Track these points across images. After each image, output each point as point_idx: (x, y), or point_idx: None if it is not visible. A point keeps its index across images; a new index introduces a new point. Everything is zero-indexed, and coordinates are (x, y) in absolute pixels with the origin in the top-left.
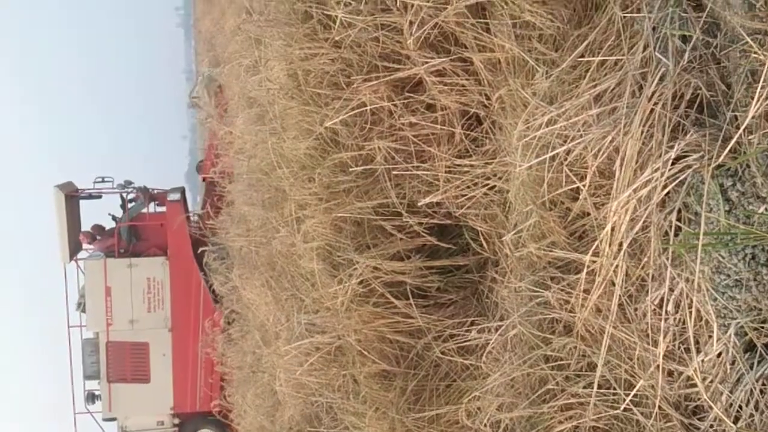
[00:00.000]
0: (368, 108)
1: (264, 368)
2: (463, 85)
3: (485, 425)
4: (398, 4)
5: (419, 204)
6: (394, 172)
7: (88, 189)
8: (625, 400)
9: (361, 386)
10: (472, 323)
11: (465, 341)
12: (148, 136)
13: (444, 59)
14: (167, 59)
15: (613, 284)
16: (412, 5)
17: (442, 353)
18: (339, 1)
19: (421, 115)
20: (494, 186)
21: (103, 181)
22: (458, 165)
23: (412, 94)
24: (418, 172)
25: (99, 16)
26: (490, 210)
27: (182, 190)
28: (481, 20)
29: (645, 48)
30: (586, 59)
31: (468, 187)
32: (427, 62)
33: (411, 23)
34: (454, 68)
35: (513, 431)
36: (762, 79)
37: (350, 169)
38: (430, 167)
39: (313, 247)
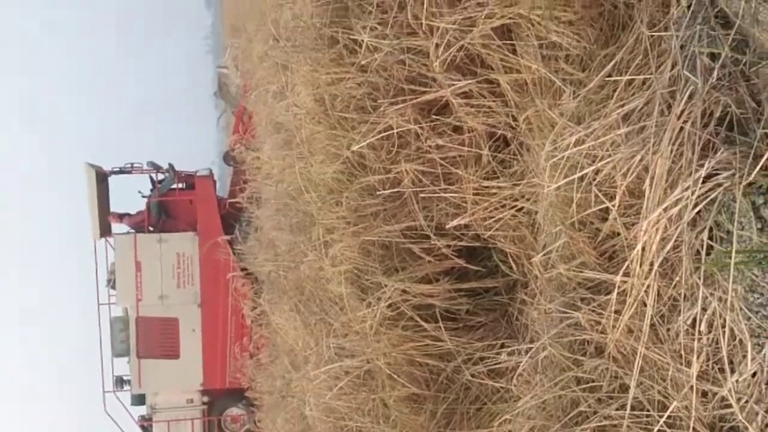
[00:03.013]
0: (395, 131)
1: (293, 393)
2: (489, 107)
3: None
4: (424, 28)
5: (447, 226)
6: (422, 195)
7: (118, 169)
8: (658, 421)
9: (390, 410)
10: (502, 345)
11: (495, 364)
12: (178, 138)
13: (470, 81)
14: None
15: (645, 304)
16: (438, 28)
17: (472, 376)
18: (365, 25)
19: (448, 137)
20: (522, 207)
21: (131, 169)
22: (486, 187)
23: (438, 117)
24: (446, 195)
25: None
26: (519, 231)
27: (210, 171)
28: (507, 42)
29: (673, 66)
30: (613, 79)
31: (496, 208)
32: (453, 84)
33: (437, 46)
34: (481, 90)
35: None
36: None
37: (377, 193)
38: (458, 189)
39: (341, 270)
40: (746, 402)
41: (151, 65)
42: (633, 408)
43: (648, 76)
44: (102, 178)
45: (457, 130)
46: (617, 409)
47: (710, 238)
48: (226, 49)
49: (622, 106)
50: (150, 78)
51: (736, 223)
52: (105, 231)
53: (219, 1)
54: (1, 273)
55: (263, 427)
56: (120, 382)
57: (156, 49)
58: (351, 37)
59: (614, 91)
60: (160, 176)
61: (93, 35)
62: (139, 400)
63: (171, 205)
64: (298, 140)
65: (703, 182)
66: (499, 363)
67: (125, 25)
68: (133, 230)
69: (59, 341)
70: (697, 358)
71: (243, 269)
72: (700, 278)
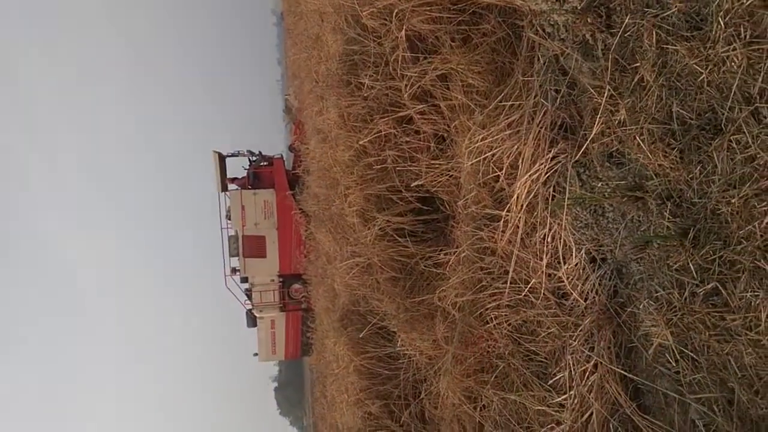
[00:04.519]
0: (383, 133)
1: (328, 276)
2: (435, 119)
3: (448, 305)
4: (398, 75)
5: (412, 185)
6: (398, 168)
7: (231, 153)
8: (524, 290)
9: (380, 285)
10: (441, 250)
11: (437, 260)
12: (260, 125)
13: (424, 105)
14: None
15: (518, 227)
16: (406, 75)
17: (425, 267)
18: (366, 74)
19: (412, 136)
20: (453, 175)
21: (238, 153)
22: (433, 163)
23: (407, 125)
24: (411, 168)
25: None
26: (450, 188)
27: (282, 155)
28: (444, 83)
29: (535, 96)
30: (502, 103)
31: (438, 175)
32: (415, 107)
33: (406, 85)
34: (430, 110)
35: (463, 308)
36: (599, 113)
37: (373, 167)
38: (417, 165)
39: (354, 209)
40: (572, 279)
41: (248, 95)
42: (511, 283)
43: (521, 102)
44: (222, 159)
45: (417, 132)
46: (503, 284)
47: (554, 191)
48: (289, 87)
49: (507, 118)
50: (248, 101)
51: (568, 183)
52: (224, 188)
53: (285, 61)
54: (169, 215)
55: (312, 295)
56: (234, 270)
57: (248, 85)
58: (358, 80)
59: (503, 110)
60: (254, 157)
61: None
62: (245, 280)
63: (260, 174)
64: (329, 138)
65: (551, 161)
66: (439, 259)
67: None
68: (239, 188)
69: (200, 249)
70: (546, 256)
71: (300, 209)
72: (548, 213)
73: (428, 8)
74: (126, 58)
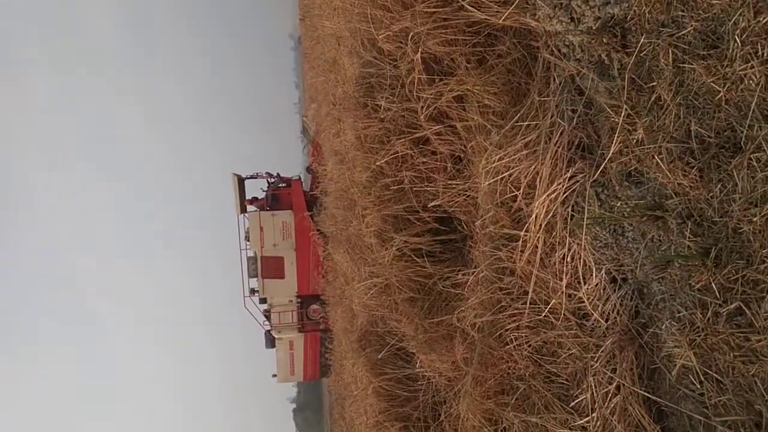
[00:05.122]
0: (399, 154)
1: (346, 297)
2: (451, 140)
3: (467, 326)
4: (414, 97)
5: (429, 206)
6: (415, 189)
7: (249, 175)
8: (544, 310)
9: (399, 305)
10: (459, 270)
11: (455, 280)
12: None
13: (440, 126)
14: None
15: (537, 247)
16: (422, 97)
17: (443, 287)
18: (382, 96)
19: (429, 157)
20: (470, 195)
21: (257, 175)
22: (450, 184)
23: (423, 146)
24: (428, 188)
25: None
26: (468, 208)
27: (300, 176)
28: (460, 104)
29: (552, 116)
30: (519, 123)
31: (455, 195)
32: (431, 128)
33: (422, 107)
34: (446, 131)
35: (483, 329)
36: (617, 132)
37: (390, 188)
38: (434, 185)
39: (371, 230)
40: (592, 300)
41: (265, 118)
42: (531, 303)
43: (538, 122)
44: (241, 181)
45: (433, 153)
46: (522, 304)
47: (572, 210)
48: (306, 109)
49: (524, 138)
50: (265, 124)
51: (587, 202)
52: (243, 209)
53: (302, 85)
54: (191, 237)
55: (330, 316)
56: (252, 291)
57: (266, 109)
58: (375, 102)
59: (519, 130)
60: (272, 179)
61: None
62: (263, 301)
63: (278, 195)
64: (346, 160)
65: (569, 180)
66: (457, 280)
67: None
68: (258, 209)
69: (219, 271)
70: (566, 276)
71: (318, 230)
72: (567, 233)
73: (443, 31)
74: (146, 81)
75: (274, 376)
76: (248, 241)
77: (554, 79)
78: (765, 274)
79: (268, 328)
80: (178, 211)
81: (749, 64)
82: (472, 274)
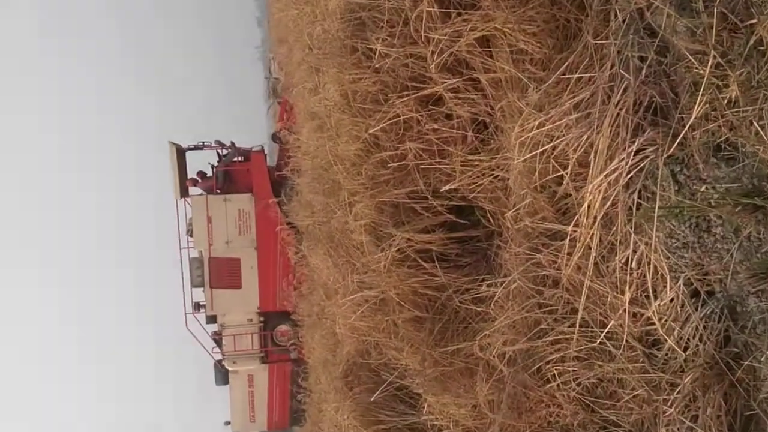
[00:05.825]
0: (401, 118)
1: (327, 316)
2: (473, 99)
3: (494, 356)
4: (422, 38)
5: (441, 190)
6: (422, 167)
7: (193, 145)
8: (600, 335)
9: (399, 328)
10: (483, 280)
11: (477, 293)
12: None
13: (458, 79)
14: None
15: (590, 248)
16: (433, 38)
17: (460, 303)
18: (378, 37)
19: (442, 122)
20: (498, 175)
21: (203, 145)
22: (470, 160)
23: (434, 107)
24: (440, 166)
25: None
26: (495, 194)
27: (262, 147)
28: (486, 49)
29: (612, 67)
30: (566, 76)
31: (478, 176)
32: (445, 82)
33: (432, 52)
34: (466, 86)
35: (515, 361)
36: (702, 89)
37: (388, 165)
38: (449, 162)
39: (362, 224)
40: (666, 321)
41: (216, 66)
42: (581, 326)
43: (593, 74)
44: (181, 153)
45: (448, 117)
46: (569, 327)
47: (639, 197)
48: (273, 55)
49: (573, 97)
50: (215, 75)
51: (659, 186)
52: (184, 193)
53: (268, 21)
54: (112, 226)
55: (305, 342)
56: (197, 306)
57: (220, 55)
58: (368, 46)
59: (567, 86)
60: (224, 151)
61: (167, 45)
62: (212, 319)
63: (233, 173)
64: (328, 125)
65: (635, 155)
66: (480, 293)
67: (192, 39)
68: (204, 192)
69: (150, 277)
70: (629, 288)
71: (288, 223)
72: (631, 228)
73: None
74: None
75: (227, 423)
76: (190, 236)
77: (616, 15)
78: None
79: (219, 357)
80: (92, 196)
81: None
82: (501, 285)
